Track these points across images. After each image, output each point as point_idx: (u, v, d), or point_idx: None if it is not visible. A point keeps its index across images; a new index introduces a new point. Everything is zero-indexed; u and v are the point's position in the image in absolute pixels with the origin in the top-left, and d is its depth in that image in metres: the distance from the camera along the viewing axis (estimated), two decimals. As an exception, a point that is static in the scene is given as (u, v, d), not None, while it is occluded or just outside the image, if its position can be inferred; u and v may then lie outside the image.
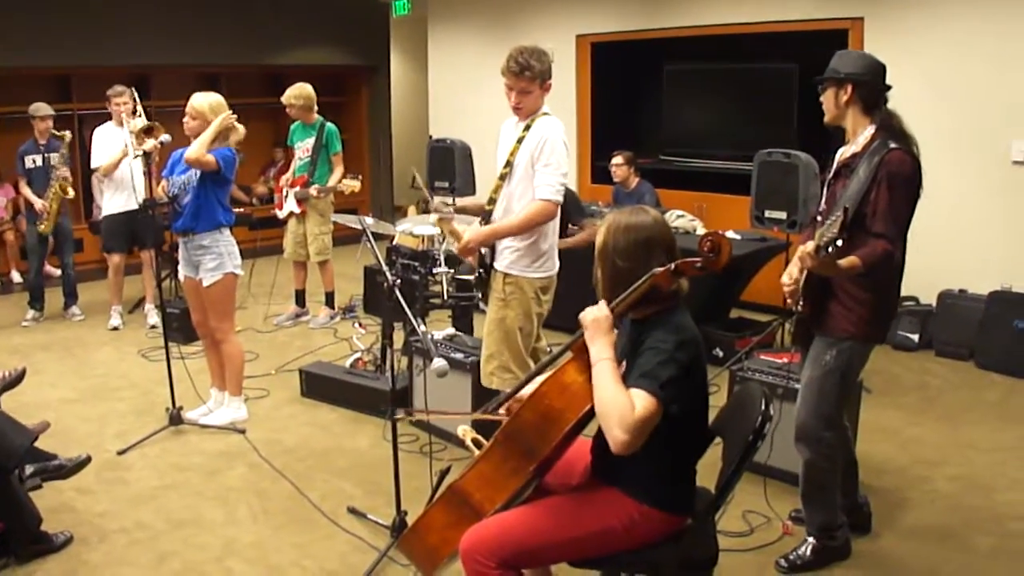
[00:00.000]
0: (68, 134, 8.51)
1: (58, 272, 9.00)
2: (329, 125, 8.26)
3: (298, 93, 8.14)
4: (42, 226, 8.45)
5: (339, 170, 8.22)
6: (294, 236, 8.40)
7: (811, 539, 4.15)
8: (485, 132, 8.99)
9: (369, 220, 4.83)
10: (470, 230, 4.65)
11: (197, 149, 5.49)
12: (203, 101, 5.64)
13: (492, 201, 4.79)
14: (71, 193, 8.28)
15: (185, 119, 5.64)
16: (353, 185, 7.91)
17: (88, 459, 4.68)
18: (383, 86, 14.80)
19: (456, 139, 9.07)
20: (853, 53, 4.14)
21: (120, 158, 7.95)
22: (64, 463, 4.51)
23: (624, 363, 2.92)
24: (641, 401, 2.75)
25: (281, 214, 8.43)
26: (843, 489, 4.24)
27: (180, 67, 11.96)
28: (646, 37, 9.85)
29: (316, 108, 8.25)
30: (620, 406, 2.74)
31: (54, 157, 8.38)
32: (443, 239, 6.62)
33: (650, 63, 10.14)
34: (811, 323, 4.01)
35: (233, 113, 5.68)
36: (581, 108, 10.59)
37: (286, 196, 8.33)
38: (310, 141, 8.22)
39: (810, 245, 3.62)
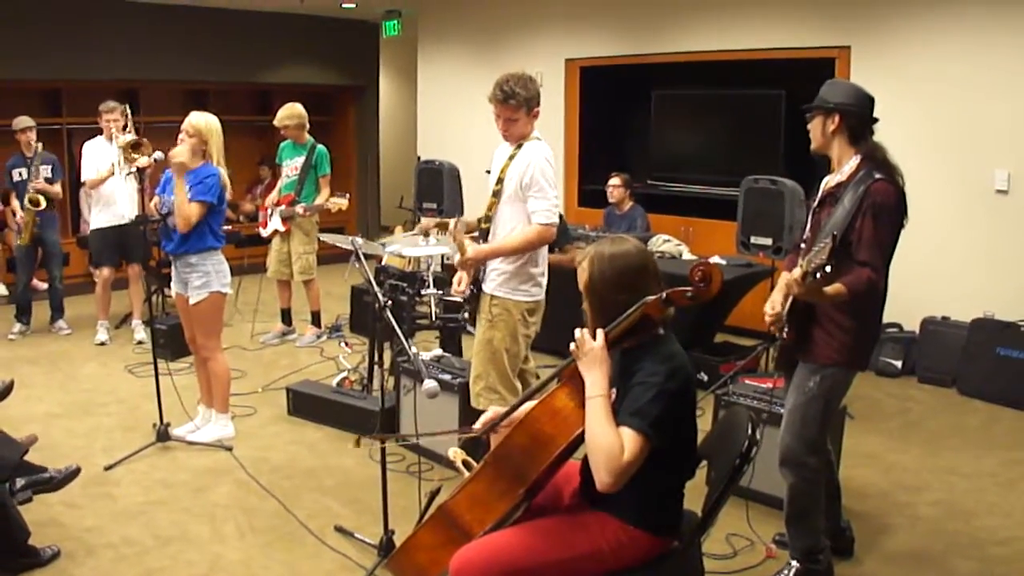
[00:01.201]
0: (39, 145, 8.50)
1: (45, 286, 8.99)
2: (320, 147, 8.29)
3: (290, 113, 8.17)
4: (18, 239, 8.48)
5: (326, 191, 8.24)
6: (278, 255, 8.42)
7: (795, 563, 4.18)
8: (473, 154, 9.09)
9: (359, 240, 4.86)
10: (472, 247, 4.71)
11: (181, 214, 5.51)
12: (201, 120, 5.64)
13: (488, 219, 4.84)
14: (43, 204, 8.26)
15: (181, 136, 5.64)
16: (340, 203, 7.93)
17: (78, 470, 4.69)
18: (372, 106, 14.86)
19: (444, 160, 9.11)
20: (843, 83, 4.18)
21: (107, 175, 8.00)
22: (54, 475, 4.51)
23: (615, 391, 2.95)
24: (630, 443, 2.79)
25: (265, 232, 8.43)
26: (826, 513, 4.28)
27: (169, 83, 12.01)
28: (635, 62, 9.93)
29: (308, 127, 8.29)
30: (609, 448, 2.78)
31: (35, 170, 8.39)
32: (431, 262, 6.68)
33: (638, 88, 10.21)
34: (795, 350, 4.06)
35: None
36: (569, 132, 10.66)
37: (271, 215, 8.34)
38: (299, 160, 8.25)
39: (796, 272, 3.66)
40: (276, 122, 8.20)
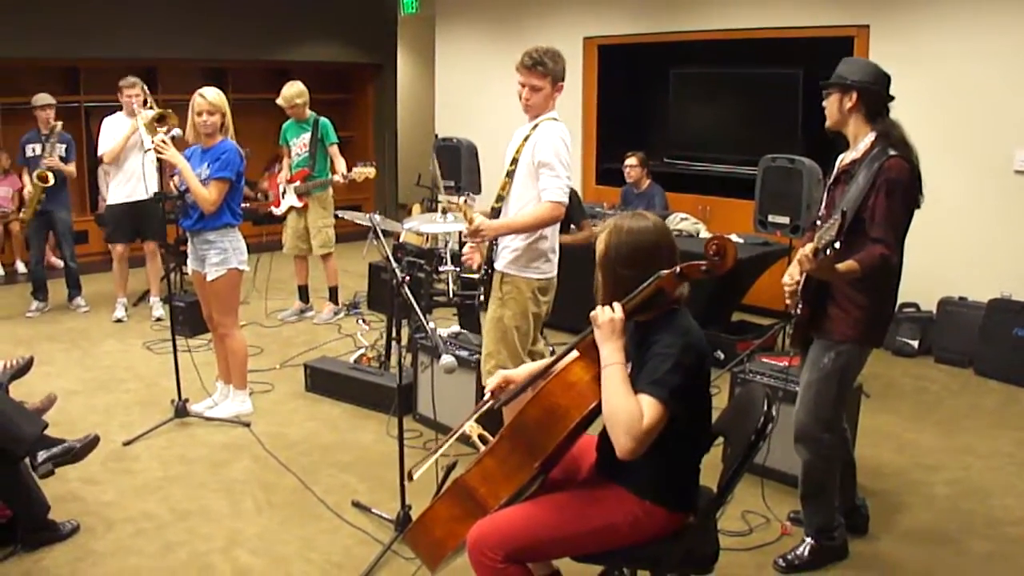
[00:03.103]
0: (59, 124, 8.51)
1: (62, 263, 9.03)
2: (322, 119, 8.31)
3: (298, 91, 8.15)
4: (22, 213, 8.52)
5: (340, 160, 8.29)
6: (294, 231, 8.43)
7: (809, 539, 4.20)
8: (492, 132, 9.05)
9: (377, 217, 4.87)
10: (482, 217, 4.69)
11: (199, 199, 5.58)
12: (217, 96, 5.65)
13: (500, 198, 4.84)
14: (51, 180, 8.25)
15: (202, 116, 5.59)
16: (367, 172, 7.95)
17: (97, 438, 4.69)
18: (390, 84, 14.86)
19: (463, 138, 9.11)
20: (860, 61, 4.18)
21: (123, 143, 8.01)
22: (73, 445, 4.52)
23: (630, 364, 2.96)
24: (650, 409, 2.80)
25: (279, 210, 8.45)
26: (841, 491, 4.29)
27: (187, 61, 12.02)
28: (653, 40, 9.90)
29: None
30: (629, 414, 2.79)
31: (51, 147, 8.42)
32: (448, 239, 6.69)
33: (656, 66, 10.18)
34: (809, 326, 4.06)
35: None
36: (587, 110, 10.64)
37: (283, 192, 8.37)
38: (306, 137, 8.24)
39: (808, 248, 3.67)
40: (284, 102, 8.15)
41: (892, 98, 3.97)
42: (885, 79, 3.96)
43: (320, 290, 8.76)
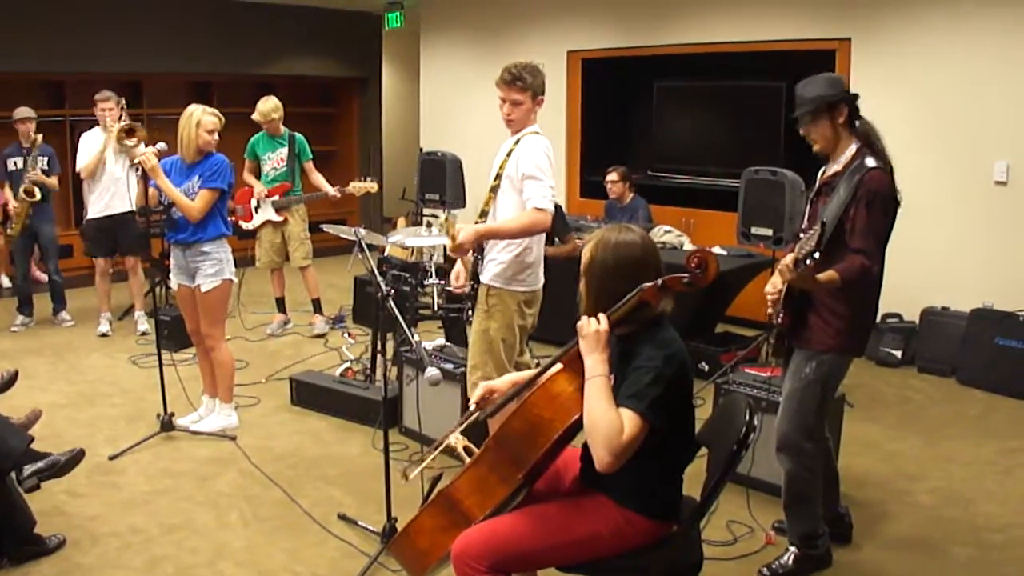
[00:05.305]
0: (39, 136, 8.51)
1: (47, 278, 9.02)
2: (298, 135, 8.39)
3: (275, 106, 8.22)
4: (9, 229, 8.50)
5: (317, 175, 8.40)
6: (271, 244, 8.44)
7: (793, 548, 4.22)
8: (476, 145, 9.09)
9: (362, 231, 4.89)
10: (464, 229, 4.70)
11: (184, 211, 5.61)
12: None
13: (484, 213, 4.85)
14: (37, 195, 8.26)
15: (213, 135, 5.67)
16: (370, 187, 8.05)
17: (82, 452, 4.68)
18: (374, 98, 14.88)
19: (447, 152, 9.13)
20: (818, 78, 4.01)
21: (97, 158, 8.01)
22: (58, 458, 4.51)
23: (612, 377, 2.98)
24: (629, 423, 2.82)
25: (251, 225, 8.43)
26: (824, 500, 4.32)
27: (172, 75, 12.03)
28: (637, 54, 9.95)
29: None
30: (609, 427, 2.81)
31: (33, 160, 8.40)
32: (433, 252, 6.71)
33: (640, 80, 10.23)
34: (790, 336, 4.10)
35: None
36: (571, 123, 10.68)
37: (256, 207, 8.37)
38: (282, 151, 8.32)
39: (789, 258, 3.71)
40: (261, 117, 8.18)
41: (856, 96, 4.01)
42: (844, 82, 4.03)
43: (303, 303, 8.76)
